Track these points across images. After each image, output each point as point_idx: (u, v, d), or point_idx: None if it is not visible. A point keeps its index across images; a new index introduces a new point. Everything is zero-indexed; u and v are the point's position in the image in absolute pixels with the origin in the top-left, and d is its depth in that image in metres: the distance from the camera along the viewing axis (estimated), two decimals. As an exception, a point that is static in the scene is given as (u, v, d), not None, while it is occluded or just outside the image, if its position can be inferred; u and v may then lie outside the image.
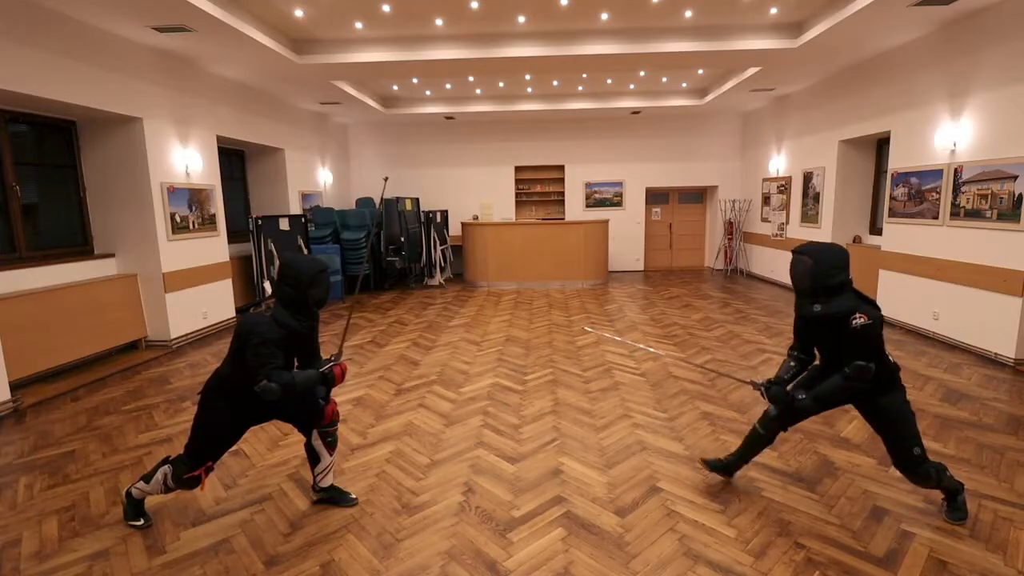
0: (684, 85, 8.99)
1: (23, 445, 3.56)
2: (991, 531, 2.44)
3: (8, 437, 3.70)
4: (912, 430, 2.40)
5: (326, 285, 2.47)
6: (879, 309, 2.38)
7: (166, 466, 2.47)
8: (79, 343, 5.01)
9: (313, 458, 2.71)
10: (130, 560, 2.36)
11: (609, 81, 8.53)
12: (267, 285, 7.43)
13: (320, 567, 2.29)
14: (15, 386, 4.36)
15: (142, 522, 2.60)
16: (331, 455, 2.72)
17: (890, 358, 2.45)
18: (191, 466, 2.43)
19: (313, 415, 2.62)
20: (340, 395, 4.32)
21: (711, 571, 2.21)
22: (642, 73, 7.93)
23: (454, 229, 10.88)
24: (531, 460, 3.19)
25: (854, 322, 2.31)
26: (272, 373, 2.25)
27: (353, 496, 2.79)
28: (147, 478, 2.52)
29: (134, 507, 2.61)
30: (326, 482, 2.75)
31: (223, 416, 2.43)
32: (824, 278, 2.35)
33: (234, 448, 3.39)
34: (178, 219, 5.97)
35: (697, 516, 2.59)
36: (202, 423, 2.45)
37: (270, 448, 3.42)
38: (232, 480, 3.03)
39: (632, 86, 8.95)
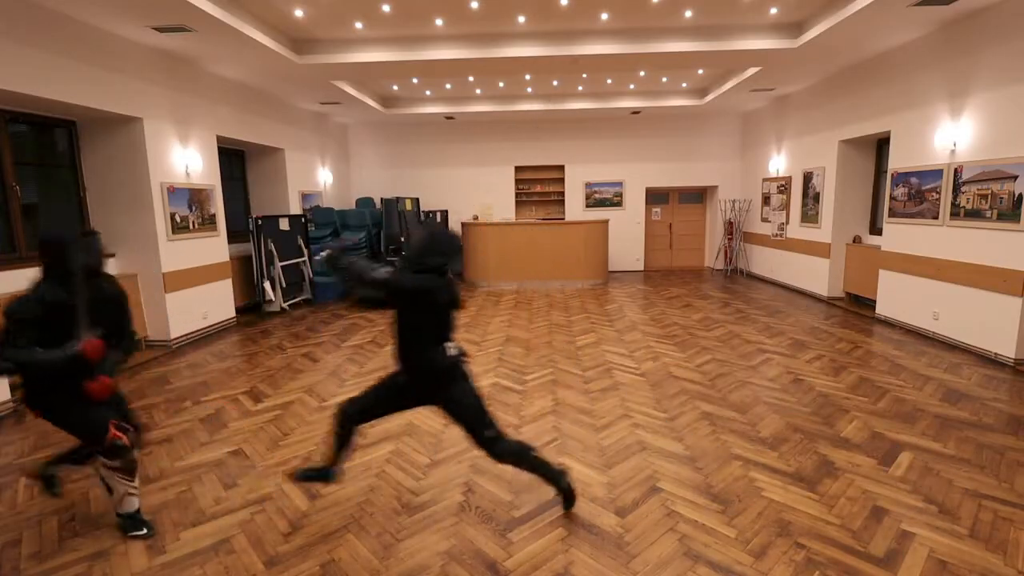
0: (684, 85, 8.99)
1: (23, 445, 3.56)
2: (991, 531, 2.44)
3: (8, 437, 3.70)
4: (481, 417, 2.45)
5: (92, 248, 2.36)
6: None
7: (98, 462, 2.39)
8: (79, 343, 5.00)
9: (107, 488, 2.48)
10: (130, 560, 2.36)
11: (609, 81, 8.53)
12: (267, 285, 7.43)
13: (320, 567, 2.29)
14: (15, 386, 4.35)
15: (144, 531, 2.50)
16: (130, 480, 2.44)
17: (452, 350, 2.41)
18: (102, 438, 2.31)
19: (89, 438, 2.39)
20: (340, 395, 4.33)
21: (711, 571, 2.21)
22: (642, 73, 7.93)
23: (454, 229, 10.86)
24: (531, 460, 3.19)
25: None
26: (7, 351, 2.10)
27: (147, 530, 2.52)
28: (111, 491, 2.44)
29: (133, 520, 2.50)
30: (125, 508, 2.49)
31: (61, 398, 2.33)
32: (427, 255, 2.38)
33: (234, 448, 3.42)
34: (178, 219, 5.97)
35: (697, 516, 2.59)
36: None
37: (270, 448, 3.42)
38: (232, 480, 3.03)
39: (632, 86, 8.95)
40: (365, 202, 10.57)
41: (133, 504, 2.51)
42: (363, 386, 4.51)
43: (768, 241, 9.53)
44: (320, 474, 2.62)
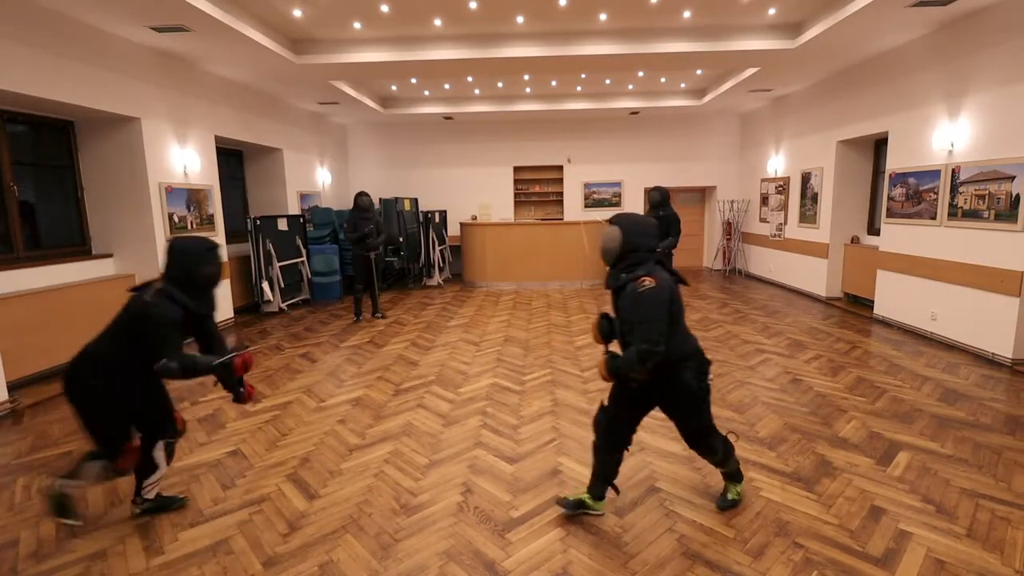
0: (683, 85, 9.00)
1: (21, 446, 3.55)
2: (988, 530, 2.44)
3: (6, 438, 3.69)
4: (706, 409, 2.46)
5: (218, 262, 2.47)
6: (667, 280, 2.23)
7: (156, 444, 2.53)
8: (77, 343, 4.92)
9: (148, 468, 2.56)
10: (128, 561, 2.35)
11: (608, 81, 8.54)
12: (265, 286, 7.42)
13: (319, 567, 2.29)
14: (13, 387, 4.35)
15: (183, 499, 2.74)
16: (167, 465, 2.64)
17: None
18: (115, 459, 2.47)
19: (156, 425, 2.54)
20: (339, 395, 4.33)
21: (709, 571, 2.22)
22: (641, 74, 7.93)
23: (453, 229, 10.87)
24: (530, 460, 3.20)
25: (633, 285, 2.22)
26: (174, 353, 2.27)
27: (182, 496, 2.79)
28: (74, 475, 2.49)
29: (167, 499, 2.70)
30: (152, 493, 2.65)
31: (104, 393, 2.39)
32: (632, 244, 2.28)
33: (232, 448, 3.41)
34: (176, 219, 5.96)
35: (695, 516, 2.59)
36: (92, 412, 2.41)
37: (268, 448, 3.42)
38: (230, 480, 3.03)
39: (631, 86, 8.96)
40: (364, 202, 10.54)
41: (155, 491, 2.67)
42: (361, 386, 4.53)
43: (766, 241, 9.55)
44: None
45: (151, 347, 2.28)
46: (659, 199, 6.27)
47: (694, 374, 2.33)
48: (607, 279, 2.38)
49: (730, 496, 2.67)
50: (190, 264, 2.38)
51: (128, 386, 2.42)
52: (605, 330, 2.44)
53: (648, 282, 2.16)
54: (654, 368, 2.21)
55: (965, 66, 5.14)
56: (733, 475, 2.68)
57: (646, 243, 2.29)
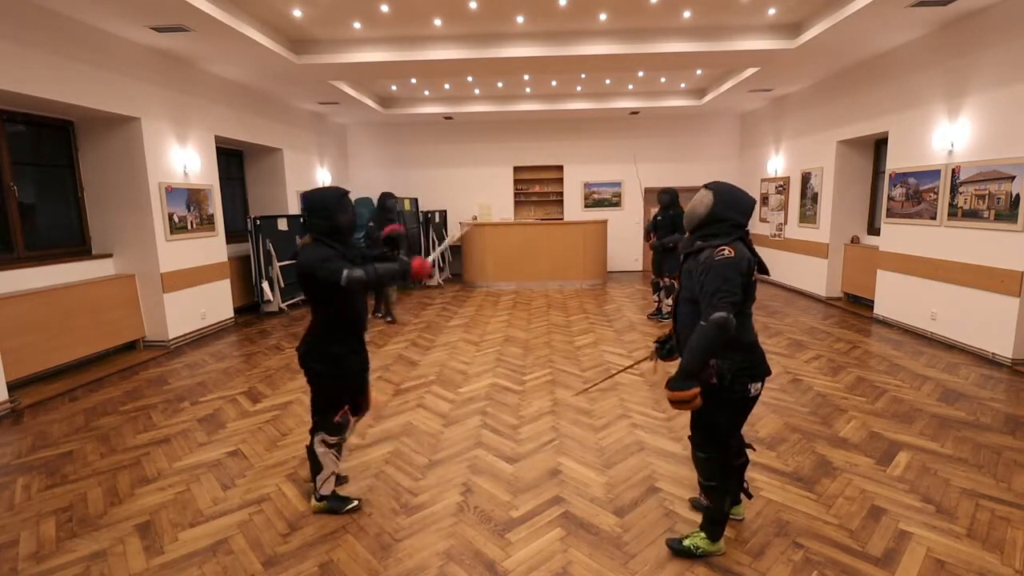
0: (683, 86, 9.00)
1: (21, 446, 3.55)
2: (988, 530, 2.44)
3: (6, 438, 3.69)
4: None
5: (352, 209, 2.54)
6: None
7: (315, 437, 2.58)
8: (77, 343, 5.00)
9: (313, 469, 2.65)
10: (128, 561, 2.35)
11: (608, 81, 8.54)
12: (265, 286, 7.42)
13: (319, 567, 2.29)
14: (13, 386, 4.35)
15: (356, 503, 2.70)
16: (337, 460, 2.66)
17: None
18: (331, 416, 2.55)
19: (322, 409, 2.58)
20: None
21: (709, 570, 2.22)
22: (640, 74, 7.93)
23: (453, 229, 10.87)
24: (530, 460, 3.20)
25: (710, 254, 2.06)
26: (348, 266, 2.32)
27: (357, 502, 2.73)
28: (317, 470, 2.60)
29: (339, 500, 2.69)
30: (327, 490, 2.68)
31: (334, 368, 2.51)
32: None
33: (232, 448, 3.41)
34: (176, 219, 5.96)
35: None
36: (320, 386, 2.56)
37: (268, 448, 3.42)
38: (230, 481, 3.03)
39: (631, 86, 8.96)
40: (364, 202, 10.53)
41: (331, 486, 2.68)
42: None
43: (766, 241, 9.54)
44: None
45: (329, 279, 2.31)
46: (668, 201, 6.43)
47: (732, 366, 2.06)
48: (680, 244, 2.28)
49: (686, 543, 2.30)
50: (329, 212, 2.43)
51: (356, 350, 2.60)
52: (663, 351, 2.45)
53: (727, 252, 2.01)
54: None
55: (965, 66, 5.14)
56: (715, 521, 2.26)
57: (734, 217, 2.10)
